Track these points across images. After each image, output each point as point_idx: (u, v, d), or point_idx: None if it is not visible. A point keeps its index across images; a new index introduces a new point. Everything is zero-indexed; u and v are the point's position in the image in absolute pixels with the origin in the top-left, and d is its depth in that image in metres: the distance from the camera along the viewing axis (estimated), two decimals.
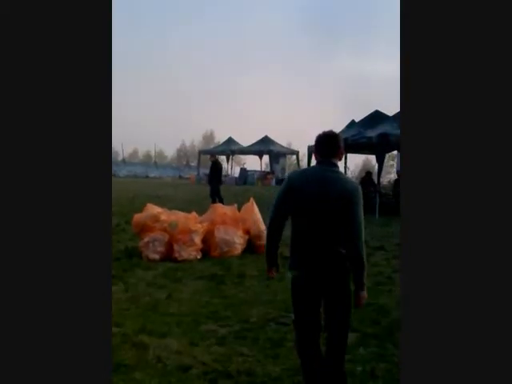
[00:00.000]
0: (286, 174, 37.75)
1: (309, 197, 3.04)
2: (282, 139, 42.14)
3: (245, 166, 41.27)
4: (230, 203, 9.24)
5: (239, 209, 8.81)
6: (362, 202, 3.05)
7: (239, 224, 8.36)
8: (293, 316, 3.22)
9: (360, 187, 3.13)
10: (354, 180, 3.37)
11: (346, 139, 15.61)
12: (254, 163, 63.73)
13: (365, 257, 3.02)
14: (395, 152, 21.54)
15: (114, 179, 40.45)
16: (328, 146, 3.15)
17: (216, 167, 16.07)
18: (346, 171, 16.88)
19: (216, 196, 15.15)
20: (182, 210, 9.19)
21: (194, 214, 8.53)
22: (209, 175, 16.27)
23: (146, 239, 7.81)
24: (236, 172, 40.86)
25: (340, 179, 3.10)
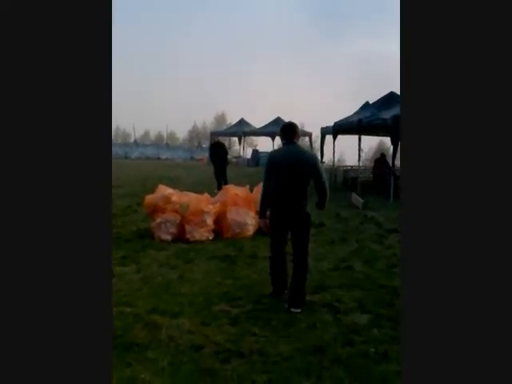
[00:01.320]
0: None
1: (286, 166, 4.64)
2: (294, 121, 41.83)
3: (257, 148, 41.19)
4: (242, 184, 9.20)
5: (251, 190, 8.76)
6: (320, 162, 4.93)
7: (251, 205, 8.32)
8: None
9: (316, 155, 5.24)
10: (311, 150, 6.51)
11: (360, 121, 15.68)
12: (266, 145, 63.54)
13: (328, 190, 4.83)
14: None
15: (125, 161, 40.89)
16: (290, 131, 4.82)
17: (221, 148, 15.96)
18: (359, 153, 16.72)
19: (222, 177, 15.07)
20: (194, 191, 9.18)
21: (205, 195, 8.51)
22: (211, 156, 16.08)
23: (157, 220, 7.81)
24: (248, 153, 40.81)
25: (304, 152, 4.84)
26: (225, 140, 19.21)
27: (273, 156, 4.90)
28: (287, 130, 4.82)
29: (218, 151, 15.69)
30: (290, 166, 4.61)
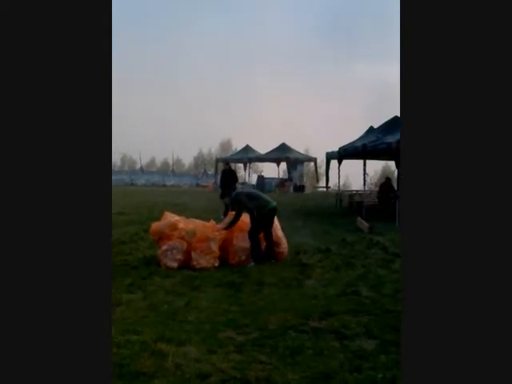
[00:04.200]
0: (305, 180, 37.80)
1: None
2: (299, 146, 42.07)
3: (262, 174, 41.34)
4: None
5: None
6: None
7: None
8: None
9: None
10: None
11: (364, 145, 15.76)
12: (271, 170, 63.75)
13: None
14: None
15: (132, 188, 40.98)
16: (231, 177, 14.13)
17: (231, 175, 15.93)
18: (364, 177, 16.78)
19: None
20: (200, 217, 9.22)
21: (211, 221, 8.54)
22: (221, 182, 15.85)
23: (164, 247, 7.83)
24: (253, 180, 40.92)
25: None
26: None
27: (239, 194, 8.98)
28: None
29: (227, 178, 15.65)
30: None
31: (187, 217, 8.90)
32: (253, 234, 8.08)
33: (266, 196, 8.90)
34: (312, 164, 40.09)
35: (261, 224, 8.17)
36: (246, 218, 8.67)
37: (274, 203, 8.49)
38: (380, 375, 3.67)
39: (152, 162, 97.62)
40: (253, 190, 10.46)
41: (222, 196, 15.17)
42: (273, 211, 8.39)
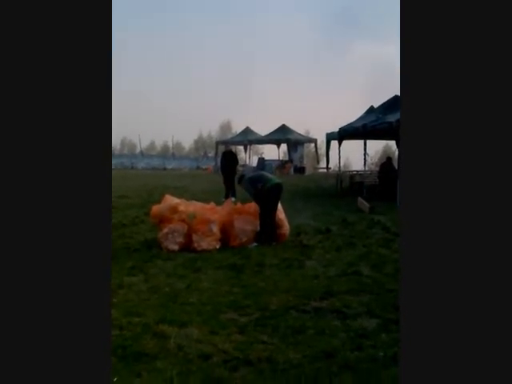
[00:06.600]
0: (305, 162, 37.71)
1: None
2: (299, 127, 41.89)
3: (263, 156, 41.24)
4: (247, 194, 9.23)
5: None
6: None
7: (256, 214, 8.34)
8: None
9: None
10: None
11: (364, 125, 15.66)
12: (271, 152, 63.65)
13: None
14: None
15: (132, 172, 40.94)
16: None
17: (232, 157, 15.88)
18: (365, 157, 16.70)
19: (230, 186, 14.93)
20: (200, 200, 9.21)
21: (212, 204, 8.54)
22: (221, 165, 15.87)
23: (164, 230, 7.83)
24: (254, 162, 40.84)
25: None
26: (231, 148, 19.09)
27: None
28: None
29: (228, 160, 15.61)
30: None
31: (188, 199, 8.90)
32: (261, 215, 8.14)
33: (268, 174, 8.98)
34: (312, 145, 39.93)
35: (266, 203, 8.17)
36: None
37: (277, 180, 8.57)
38: (381, 353, 3.69)
39: (152, 145, 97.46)
40: (255, 173, 10.05)
41: (226, 182, 15.15)
42: (275, 188, 8.33)
